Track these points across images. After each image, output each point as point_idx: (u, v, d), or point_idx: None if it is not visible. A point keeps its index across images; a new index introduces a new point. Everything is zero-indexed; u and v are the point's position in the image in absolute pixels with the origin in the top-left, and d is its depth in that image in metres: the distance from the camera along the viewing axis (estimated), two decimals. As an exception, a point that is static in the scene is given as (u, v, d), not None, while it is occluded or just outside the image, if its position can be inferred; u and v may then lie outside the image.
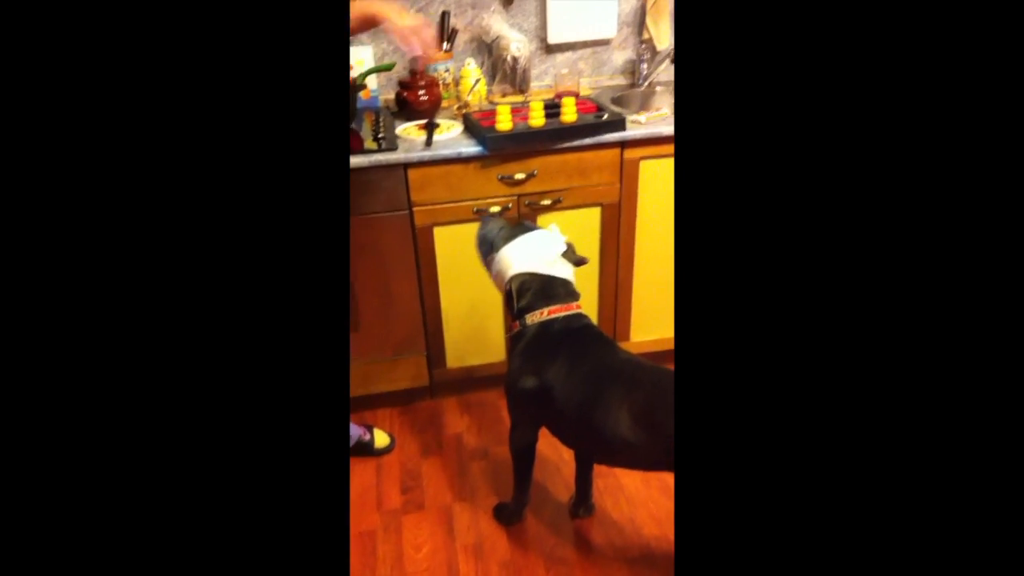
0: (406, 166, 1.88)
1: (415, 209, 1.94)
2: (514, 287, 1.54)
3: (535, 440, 1.63)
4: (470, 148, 1.89)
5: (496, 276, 1.60)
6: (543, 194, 1.99)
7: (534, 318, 1.52)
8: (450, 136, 1.97)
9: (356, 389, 2.13)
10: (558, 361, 1.47)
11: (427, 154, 1.87)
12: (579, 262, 1.58)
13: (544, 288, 1.53)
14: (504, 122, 1.88)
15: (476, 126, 1.93)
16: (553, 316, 1.52)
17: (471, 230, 2.00)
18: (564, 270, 1.56)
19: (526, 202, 1.99)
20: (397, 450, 2.08)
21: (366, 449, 2.04)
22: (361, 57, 2.14)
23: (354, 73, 1.98)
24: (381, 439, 2.06)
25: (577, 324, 1.53)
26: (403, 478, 1.98)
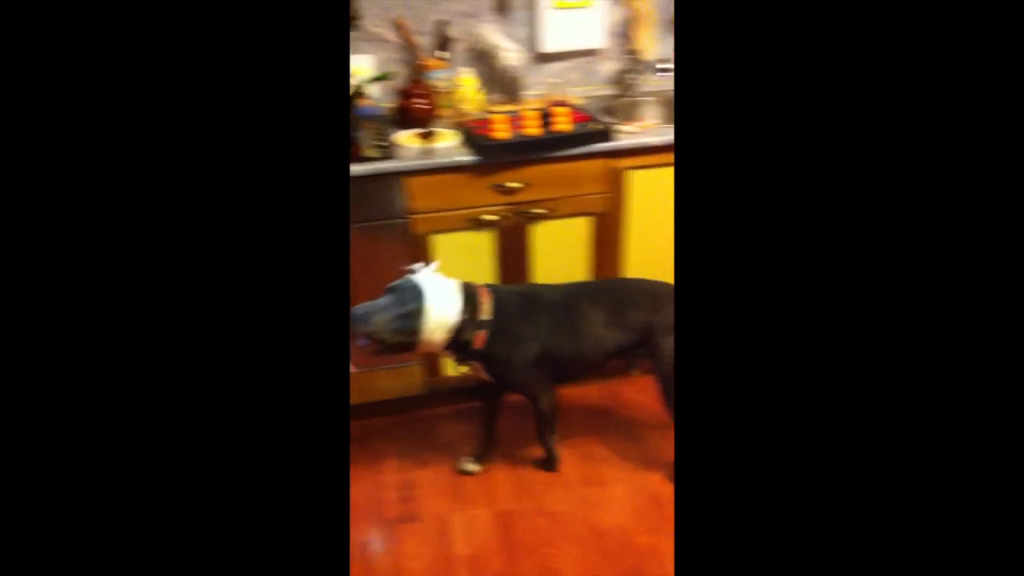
0: (404, 174, 1.88)
1: (412, 217, 1.93)
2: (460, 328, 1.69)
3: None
4: (466, 157, 1.89)
5: (431, 333, 1.66)
6: (535, 203, 2.00)
7: (481, 314, 1.71)
8: (447, 145, 1.97)
9: (352, 398, 2.11)
10: (532, 323, 1.75)
11: (425, 162, 1.87)
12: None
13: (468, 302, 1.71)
14: (501, 131, 1.89)
15: (473, 135, 1.94)
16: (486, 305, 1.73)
17: (468, 238, 2.01)
18: (452, 286, 1.71)
19: (518, 211, 2.00)
20: (393, 460, 2.07)
21: None
22: (361, 65, 2.13)
23: (355, 81, 1.97)
24: None
25: (506, 293, 1.80)
26: (399, 488, 1.97)
